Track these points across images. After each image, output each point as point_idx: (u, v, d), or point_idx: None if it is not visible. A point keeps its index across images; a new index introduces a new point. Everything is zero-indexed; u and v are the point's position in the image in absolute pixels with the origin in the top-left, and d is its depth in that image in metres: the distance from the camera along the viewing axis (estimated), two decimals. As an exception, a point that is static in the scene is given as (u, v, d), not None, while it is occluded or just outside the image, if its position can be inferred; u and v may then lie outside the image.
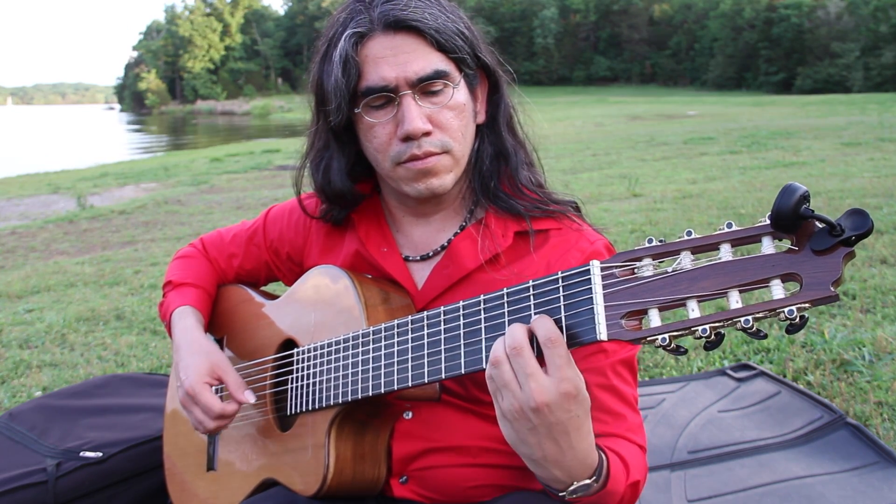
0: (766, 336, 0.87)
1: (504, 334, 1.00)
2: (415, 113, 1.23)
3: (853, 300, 3.68)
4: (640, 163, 11.30)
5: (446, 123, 1.27)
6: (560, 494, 1.06)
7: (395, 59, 1.23)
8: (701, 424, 2.43)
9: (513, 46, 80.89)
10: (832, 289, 0.80)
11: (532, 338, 0.99)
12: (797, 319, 0.82)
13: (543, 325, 0.97)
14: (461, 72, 1.29)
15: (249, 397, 1.39)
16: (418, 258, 1.40)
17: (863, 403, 2.57)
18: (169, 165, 17.15)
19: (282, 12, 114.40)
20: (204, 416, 1.37)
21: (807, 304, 0.81)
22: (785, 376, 2.82)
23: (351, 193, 1.40)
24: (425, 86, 1.24)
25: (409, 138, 1.24)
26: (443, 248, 1.38)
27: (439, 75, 1.24)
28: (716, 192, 7.61)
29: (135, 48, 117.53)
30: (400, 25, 1.22)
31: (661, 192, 8.02)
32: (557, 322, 0.97)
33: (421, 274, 1.38)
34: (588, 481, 1.05)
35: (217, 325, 1.66)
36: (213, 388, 1.40)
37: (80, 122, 75.08)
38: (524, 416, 0.98)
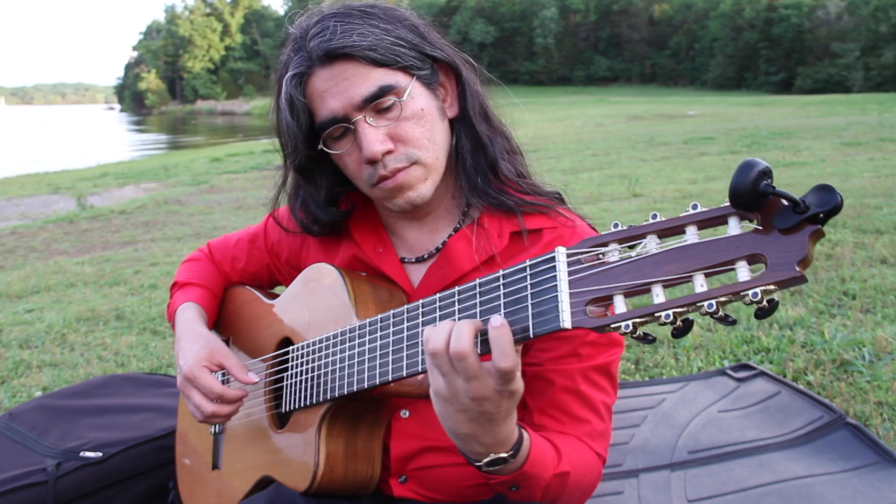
0: (734, 322, 0.83)
1: (448, 320, 1.01)
2: (370, 136, 1.24)
3: (853, 300, 3.68)
4: (640, 163, 11.29)
5: (407, 135, 1.26)
6: (477, 464, 1.09)
7: (336, 89, 1.23)
8: (701, 424, 2.43)
9: (513, 46, 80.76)
10: (797, 269, 0.76)
11: (478, 334, 0.99)
12: (764, 303, 0.78)
13: (498, 338, 0.95)
14: (412, 76, 1.27)
15: (253, 377, 1.39)
16: (414, 260, 1.40)
17: (863, 403, 2.57)
18: (169, 165, 17.14)
19: (282, 12, 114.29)
20: (202, 399, 1.36)
21: (772, 287, 0.77)
22: (785, 376, 2.82)
23: (339, 215, 1.42)
24: (375, 105, 1.24)
25: (372, 161, 1.25)
26: (438, 249, 1.38)
27: (384, 91, 1.24)
28: (716, 192, 7.61)
29: (135, 48, 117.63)
30: (333, 55, 1.23)
31: (661, 192, 8.02)
32: (524, 310, 0.95)
33: (417, 275, 1.39)
34: (504, 454, 1.07)
35: (223, 326, 1.69)
36: (215, 374, 1.40)
37: (80, 122, 75.05)
38: (457, 399, 1.00)
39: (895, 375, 2.75)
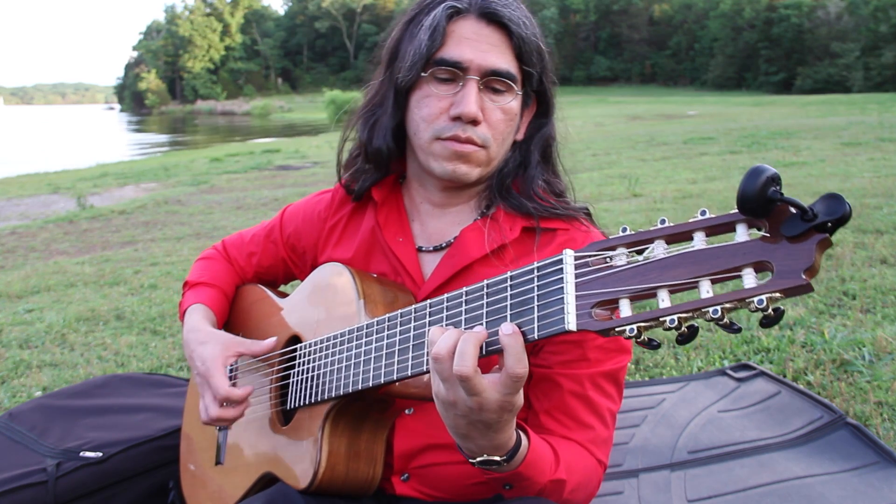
0: (739, 330, 0.83)
1: (455, 329, 1.01)
2: (473, 98, 1.29)
3: (853, 300, 3.68)
4: (640, 163, 11.30)
5: (495, 123, 1.32)
6: (470, 460, 1.11)
7: (477, 45, 1.29)
8: (701, 424, 2.43)
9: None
10: (804, 277, 0.75)
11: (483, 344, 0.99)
12: (770, 311, 0.77)
13: (512, 345, 0.95)
14: (524, 87, 1.35)
15: (270, 343, 1.43)
16: (431, 249, 1.44)
17: (863, 403, 2.57)
18: (169, 165, 17.15)
19: (282, 12, 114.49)
20: (211, 401, 1.39)
21: (778, 294, 0.76)
22: (785, 376, 2.82)
23: (388, 153, 1.43)
24: (491, 80, 1.30)
25: (459, 119, 1.29)
26: (455, 238, 1.41)
27: (509, 76, 1.30)
28: (716, 192, 7.61)
29: (135, 48, 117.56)
30: (494, 18, 1.29)
31: (661, 192, 8.03)
32: (530, 311, 0.95)
33: (431, 265, 1.42)
34: (498, 458, 1.08)
35: (234, 323, 1.70)
36: (228, 367, 1.43)
37: (80, 122, 75.06)
38: (456, 406, 1.01)
39: (895, 375, 2.75)
